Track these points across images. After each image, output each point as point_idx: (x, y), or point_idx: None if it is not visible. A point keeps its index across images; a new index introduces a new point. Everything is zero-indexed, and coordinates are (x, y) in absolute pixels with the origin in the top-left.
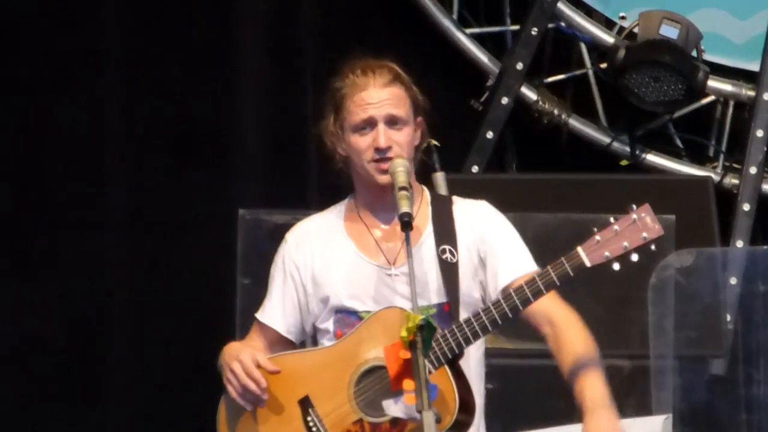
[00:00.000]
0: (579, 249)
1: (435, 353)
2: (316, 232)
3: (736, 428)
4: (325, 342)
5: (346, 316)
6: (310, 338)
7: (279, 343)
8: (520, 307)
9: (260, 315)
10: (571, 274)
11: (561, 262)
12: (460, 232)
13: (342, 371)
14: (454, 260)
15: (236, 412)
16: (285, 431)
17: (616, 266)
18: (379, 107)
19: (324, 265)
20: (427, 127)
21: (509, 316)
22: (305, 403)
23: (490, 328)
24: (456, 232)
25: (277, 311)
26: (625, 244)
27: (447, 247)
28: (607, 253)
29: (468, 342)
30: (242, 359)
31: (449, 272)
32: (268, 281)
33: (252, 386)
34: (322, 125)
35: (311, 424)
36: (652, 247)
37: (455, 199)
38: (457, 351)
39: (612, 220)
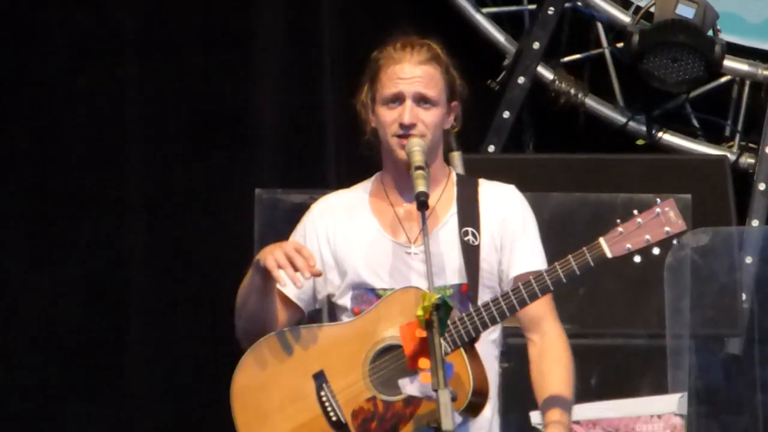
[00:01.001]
0: (601, 240)
1: (452, 336)
2: (342, 206)
3: (751, 407)
4: (344, 318)
5: (364, 293)
6: (327, 314)
7: (287, 308)
8: (539, 294)
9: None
10: (592, 265)
11: (582, 252)
12: (484, 215)
13: (358, 348)
14: (476, 243)
15: (250, 384)
16: (298, 405)
17: (637, 259)
18: (410, 83)
19: (345, 239)
20: (464, 111)
21: (527, 303)
22: (319, 378)
23: (508, 314)
24: (480, 215)
25: None
26: (648, 237)
27: (470, 229)
28: (629, 245)
29: (485, 326)
30: (293, 242)
31: (470, 254)
32: None
33: (299, 260)
34: (358, 97)
35: (324, 399)
36: (674, 241)
37: (482, 181)
38: (474, 334)
39: (635, 212)
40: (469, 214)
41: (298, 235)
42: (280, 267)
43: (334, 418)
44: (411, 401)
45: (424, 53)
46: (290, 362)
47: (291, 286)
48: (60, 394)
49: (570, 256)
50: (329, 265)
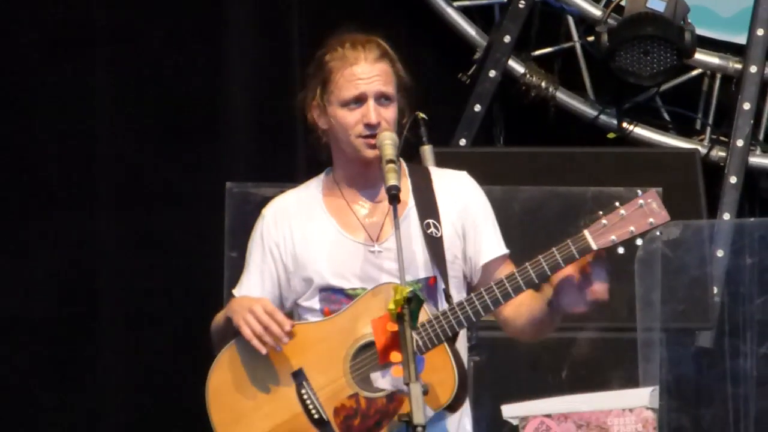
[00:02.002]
0: (585, 232)
1: (435, 330)
2: (296, 209)
3: (722, 400)
4: (310, 318)
5: (332, 294)
6: (293, 315)
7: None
8: (523, 287)
9: (237, 291)
10: (577, 257)
11: (567, 244)
12: (442, 204)
13: (338, 345)
14: (439, 234)
15: (226, 383)
16: (277, 403)
17: (621, 250)
18: (369, 83)
19: (305, 243)
20: (410, 104)
21: (512, 296)
22: (299, 376)
23: (492, 307)
24: (438, 204)
25: (255, 287)
26: (632, 228)
27: (431, 221)
28: (613, 237)
29: (469, 321)
30: (264, 303)
31: (435, 246)
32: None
33: (275, 327)
34: (305, 97)
35: (305, 397)
36: (658, 232)
37: (433, 170)
38: (457, 329)
39: (617, 204)
40: (427, 205)
41: (256, 247)
42: (256, 335)
43: (316, 416)
44: (394, 397)
45: (376, 50)
46: (266, 361)
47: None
48: (29, 386)
49: (554, 248)
50: (290, 272)
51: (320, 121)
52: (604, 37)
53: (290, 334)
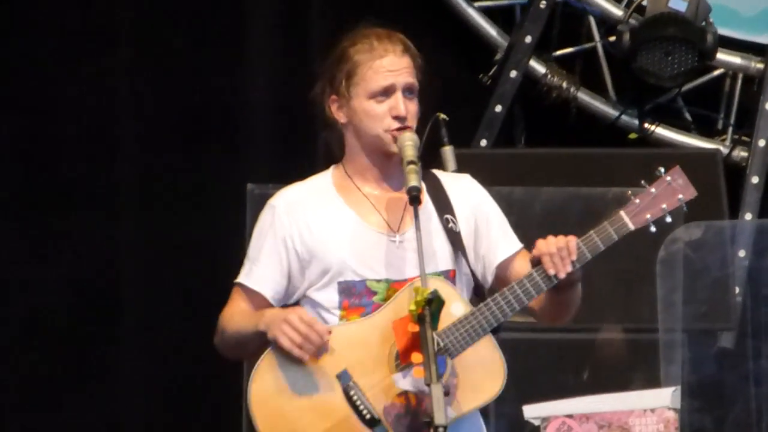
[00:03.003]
0: (622, 213)
1: (479, 321)
2: (309, 199)
3: (744, 401)
4: (323, 313)
5: (353, 286)
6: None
7: (264, 309)
8: (561, 277)
9: (246, 280)
10: (616, 238)
11: (605, 226)
12: (455, 203)
13: (381, 344)
14: (458, 230)
15: (268, 391)
16: (325, 407)
17: (653, 228)
18: (398, 75)
19: (324, 233)
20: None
21: (554, 282)
22: (344, 377)
23: (535, 294)
24: (452, 203)
25: (266, 276)
26: (664, 206)
27: (449, 216)
28: (648, 216)
29: (513, 309)
30: (299, 313)
31: (455, 240)
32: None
33: (314, 336)
34: (322, 91)
35: (354, 398)
36: (684, 208)
37: (438, 173)
38: (502, 318)
39: (643, 183)
40: (443, 202)
41: (266, 236)
42: (296, 345)
43: (367, 416)
44: (448, 394)
45: (401, 43)
46: (307, 366)
47: (269, 287)
48: (52, 386)
49: (592, 231)
50: (305, 261)
51: (339, 114)
52: (626, 37)
53: (326, 344)
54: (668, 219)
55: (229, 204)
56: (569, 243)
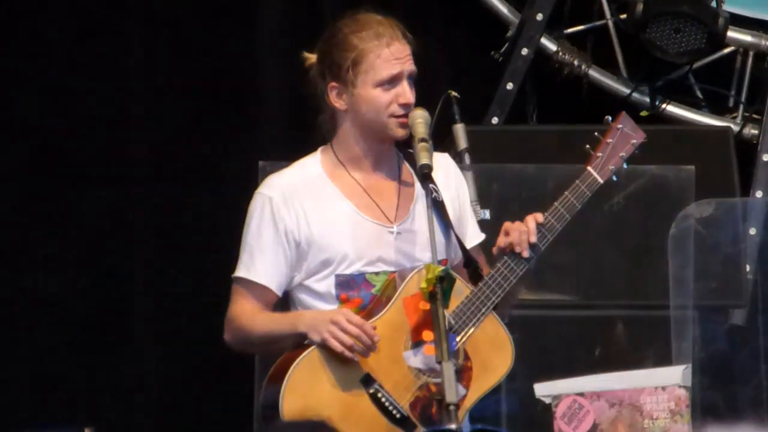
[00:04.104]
0: (589, 168)
1: (481, 300)
2: (304, 188)
3: (755, 378)
4: (320, 302)
5: (351, 279)
6: (293, 296)
7: (270, 303)
8: (550, 238)
9: (250, 274)
10: (589, 194)
11: (577, 185)
12: (441, 189)
13: (395, 341)
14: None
15: (298, 409)
16: (355, 414)
17: (615, 178)
18: (405, 62)
19: (324, 225)
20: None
21: (541, 249)
22: (368, 381)
23: (528, 264)
24: (438, 184)
25: (272, 270)
26: (622, 154)
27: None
28: (612, 167)
29: (509, 282)
30: (347, 315)
31: (447, 225)
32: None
33: (365, 338)
34: (323, 79)
35: (382, 399)
36: (637, 151)
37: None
38: (500, 293)
39: (597, 134)
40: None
41: (266, 227)
42: (346, 347)
43: (397, 416)
44: (461, 375)
45: (400, 30)
46: (333, 374)
47: (275, 280)
48: (64, 366)
49: (566, 191)
50: (304, 252)
51: (338, 101)
52: (640, 6)
53: (377, 343)
54: (625, 166)
55: (241, 181)
56: (528, 224)
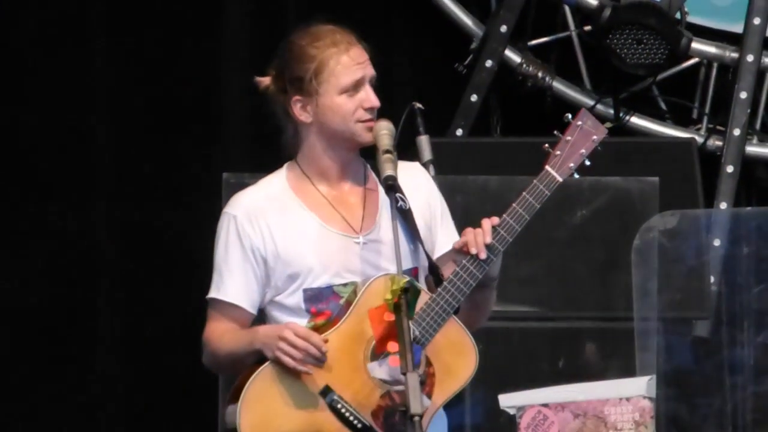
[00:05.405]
0: (547, 167)
1: (441, 306)
2: (268, 205)
3: (719, 390)
4: (291, 317)
5: (319, 293)
6: (266, 313)
7: (245, 323)
8: (509, 239)
9: (220, 294)
10: (548, 193)
11: (535, 185)
12: (409, 198)
13: (354, 351)
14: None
15: (256, 423)
16: (315, 427)
17: (576, 176)
18: (365, 66)
19: (289, 239)
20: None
21: (501, 250)
22: (328, 393)
23: (487, 266)
24: (405, 193)
25: (242, 289)
26: (582, 151)
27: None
28: (571, 164)
29: (469, 287)
30: (292, 327)
31: (414, 235)
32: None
33: (313, 350)
34: (284, 96)
35: (342, 410)
36: (599, 148)
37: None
38: (461, 296)
39: (557, 133)
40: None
41: (233, 247)
42: (297, 361)
43: (359, 426)
44: (424, 384)
45: (354, 36)
46: (290, 388)
47: (247, 300)
48: (26, 378)
49: (524, 192)
50: (271, 269)
51: (303, 114)
52: (606, 12)
53: (325, 354)
54: (587, 162)
55: (204, 194)
56: (482, 224)
